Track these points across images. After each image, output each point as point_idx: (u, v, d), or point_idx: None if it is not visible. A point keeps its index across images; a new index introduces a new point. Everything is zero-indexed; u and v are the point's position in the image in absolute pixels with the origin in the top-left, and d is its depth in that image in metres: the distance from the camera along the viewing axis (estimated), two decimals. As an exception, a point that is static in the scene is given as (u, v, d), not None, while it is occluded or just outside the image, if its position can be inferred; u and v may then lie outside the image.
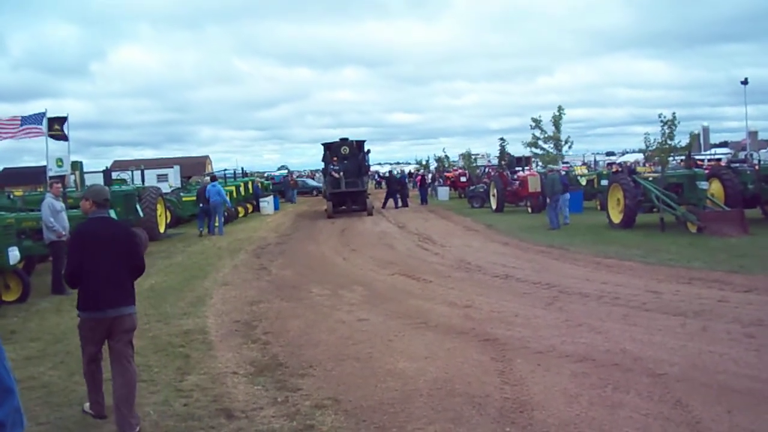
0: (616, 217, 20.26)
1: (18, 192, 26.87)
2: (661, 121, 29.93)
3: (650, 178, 21.16)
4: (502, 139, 43.96)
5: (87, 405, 6.23)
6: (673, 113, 29.84)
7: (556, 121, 34.43)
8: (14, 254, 11.96)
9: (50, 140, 21.97)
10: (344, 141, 34.45)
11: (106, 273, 5.94)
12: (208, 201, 24.39)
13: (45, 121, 21.49)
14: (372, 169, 50.97)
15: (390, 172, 46.06)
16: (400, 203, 36.12)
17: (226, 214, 27.21)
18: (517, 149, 41.73)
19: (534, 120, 35.57)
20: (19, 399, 1.65)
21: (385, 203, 36.15)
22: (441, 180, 49.26)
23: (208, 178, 30.89)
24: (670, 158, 32.02)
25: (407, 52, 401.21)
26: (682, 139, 30.82)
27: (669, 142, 30.24)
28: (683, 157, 29.08)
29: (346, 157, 33.41)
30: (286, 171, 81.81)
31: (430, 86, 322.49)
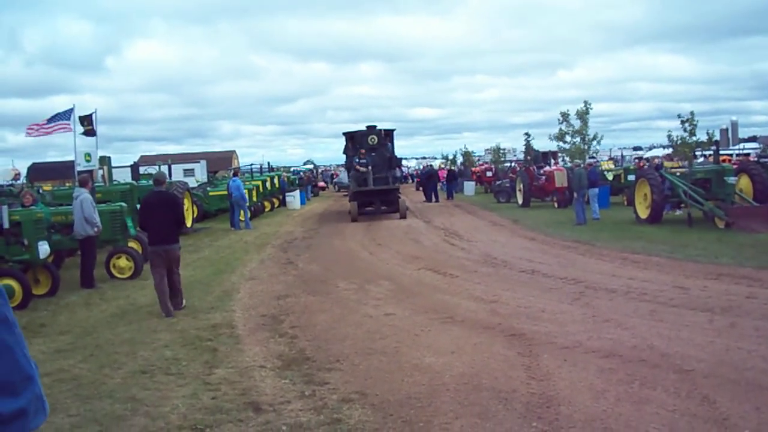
0: (643, 212, 20.09)
1: (47, 186, 27.27)
2: (681, 120, 29.95)
3: (677, 174, 20.94)
4: (527, 134, 43.69)
5: (163, 314, 10.02)
6: (691, 112, 29.94)
7: (583, 116, 34.18)
8: (44, 248, 12.14)
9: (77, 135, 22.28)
10: (371, 129, 29.04)
11: (160, 224, 10.13)
12: (230, 196, 24.60)
13: (74, 117, 21.77)
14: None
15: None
16: (433, 199, 35.84)
17: (252, 208, 27.35)
18: (541, 144, 41.40)
19: (562, 114, 35.41)
20: (41, 386, 1.66)
21: None
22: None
23: (232, 172, 31.13)
24: (698, 152, 31.87)
25: (424, 47, 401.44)
26: (701, 136, 30.80)
27: (692, 138, 30.23)
28: (710, 153, 28.90)
29: (373, 148, 28.14)
30: (311, 166, 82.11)
31: (449, 81, 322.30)
